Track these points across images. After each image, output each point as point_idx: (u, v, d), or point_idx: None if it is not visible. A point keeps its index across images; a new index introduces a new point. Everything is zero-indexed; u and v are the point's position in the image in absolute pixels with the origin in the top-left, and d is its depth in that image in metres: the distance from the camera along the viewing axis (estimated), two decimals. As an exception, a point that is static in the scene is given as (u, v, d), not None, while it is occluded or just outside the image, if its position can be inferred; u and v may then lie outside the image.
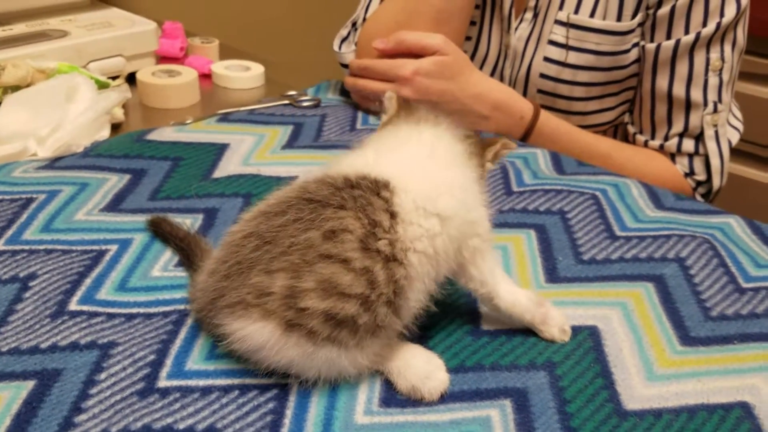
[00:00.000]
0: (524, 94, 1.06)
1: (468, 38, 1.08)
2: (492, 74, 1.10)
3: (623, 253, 0.73)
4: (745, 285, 0.69)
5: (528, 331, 0.61)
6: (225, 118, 0.94)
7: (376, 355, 0.53)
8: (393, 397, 0.54)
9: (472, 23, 1.06)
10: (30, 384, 0.51)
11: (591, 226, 0.77)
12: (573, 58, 1.01)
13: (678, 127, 1.00)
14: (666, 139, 1.02)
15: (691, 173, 1.02)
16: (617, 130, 1.16)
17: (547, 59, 1.02)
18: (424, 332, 0.59)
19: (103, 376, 0.52)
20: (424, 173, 0.55)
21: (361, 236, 0.49)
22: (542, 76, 1.04)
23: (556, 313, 0.60)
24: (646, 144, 1.04)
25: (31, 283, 0.61)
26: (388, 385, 0.54)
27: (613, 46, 1.00)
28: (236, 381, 0.53)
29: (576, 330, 0.61)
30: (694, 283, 0.69)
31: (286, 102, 1.01)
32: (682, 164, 1.02)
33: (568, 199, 0.81)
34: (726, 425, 0.53)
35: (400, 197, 0.52)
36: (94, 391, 0.51)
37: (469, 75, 0.95)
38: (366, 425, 0.51)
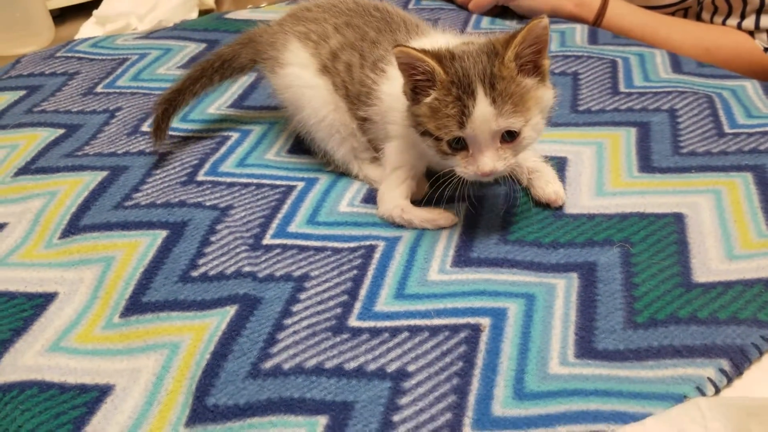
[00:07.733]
0: None
1: None
2: None
3: (618, 104, 0.80)
4: (728, 130, 0.74)
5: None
6: (295, 2, 1.08)
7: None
8: (466, 258, 0.61)
9: None
10: (164, 233, 0.65)
11: (597, 84, 0.84)
12: None
13: (754, 2, 0.95)
14: (743, 17, 0.97)
15: None
16: (687, 15, 1.15)
17: None
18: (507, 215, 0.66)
19: (221, 226, 0.65)
20: None
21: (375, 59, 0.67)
22: None
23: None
24: (723, 25, 1.00)
25: (117, 113, 0.79)
26: (462, 249, 0.62)
27: None
28: (329, 244, 0.63)
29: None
30: (678, 129, 0.75)
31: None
32: (762, 40, 0.97)
33: (585, 64, 0.88)
34: (651, 227, 0.62)
35: None
36: (214, 238, 0.63)
37: None
38: (436, 281, 0.59)
